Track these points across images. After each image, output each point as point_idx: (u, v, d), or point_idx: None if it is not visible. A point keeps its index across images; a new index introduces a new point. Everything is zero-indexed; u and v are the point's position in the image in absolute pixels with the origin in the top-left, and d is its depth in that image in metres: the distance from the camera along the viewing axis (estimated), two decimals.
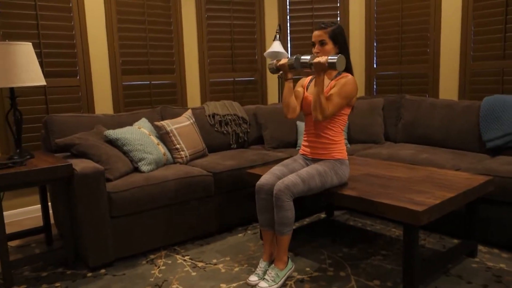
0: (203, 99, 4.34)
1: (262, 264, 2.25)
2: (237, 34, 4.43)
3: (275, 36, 4.11)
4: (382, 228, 2.92)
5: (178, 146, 3.08)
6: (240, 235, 2.91)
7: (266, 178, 2.23)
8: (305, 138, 2.39)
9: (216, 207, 2.89)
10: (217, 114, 3.59)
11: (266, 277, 2.17)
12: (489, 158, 2.88)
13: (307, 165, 2.38)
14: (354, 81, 2.23)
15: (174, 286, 2.23)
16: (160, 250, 2.72)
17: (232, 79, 4.48)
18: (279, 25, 4.23)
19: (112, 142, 2.81)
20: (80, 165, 2.40)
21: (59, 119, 2.90)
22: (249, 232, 2.96)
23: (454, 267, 2.31)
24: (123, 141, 2.80)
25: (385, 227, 2.94)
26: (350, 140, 3.64)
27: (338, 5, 4.49)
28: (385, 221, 3.07)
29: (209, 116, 3.56)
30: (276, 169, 2.30)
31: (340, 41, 2.27)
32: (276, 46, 4.05)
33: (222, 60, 4.39)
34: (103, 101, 3.76)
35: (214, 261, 2.52)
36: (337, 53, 2.28)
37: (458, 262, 2.36)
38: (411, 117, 3.49)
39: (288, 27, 4.57)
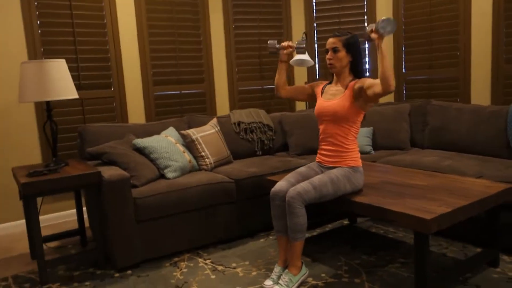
0: (232, 107, 4.45)
1: (277, 269, 2.31)
2: (264, 43, 4.53)
3: None
4: (405, 236, 2.90)
5: (203, 153, 3.20)
6: (262, 240, 2.98)
7: (280, 185, 2.30)
8: (321, 146, 2.43)
9: (238, 212, 2.98)
10: (242, 122, 3.69)
11: (280, 281, 2.23)
12: None
13: (322, 172, 2.42)
14: None
15: None
16: (184, 253, 2.84)
17: (260, 87, 4.58)
18: (305, 33, 4.29)
19: (140, 150, 2.97)
20: (108, 172, 2.56)
21: (92, 129, 3.11)
22: (270, 237, 3.02)
23: (474, 277, 2.27)
24: (150, 149, 2.96)
25: (408, 234, 2.92)
26: (375, 146, 3.62)
27: (365, 10, 4.48)
28: (408, 228, 3.03)
29: (234, 124, 3.67)
30: (291, 176, 2.36)
31: (353, 51, 2.31)
32: (301, 54, 4.10)
33: (250, 68, 4.50)
34: (135, 111, 3.96)
35: (234, 265, 2.60)
36: (350, 61, 2.33)
37: (478, 272, 2.32)
38: (437, 122, 3.44)
39: (315, 35, 4.62)
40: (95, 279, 2.52)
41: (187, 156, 3.13)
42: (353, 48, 2.30)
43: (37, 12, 3.44)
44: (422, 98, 4.26)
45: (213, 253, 2.81)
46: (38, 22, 3.45)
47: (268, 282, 2.27)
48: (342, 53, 2.30)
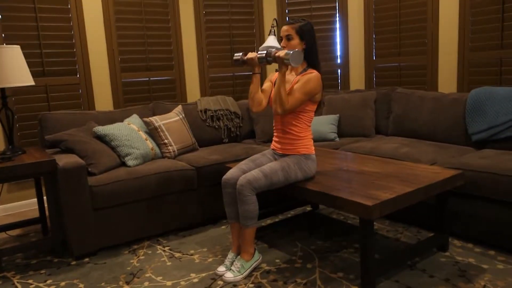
0: (203, 94, 4.43)
1: (230, 255, 2.34)
2: (235, 29, 4.50)
3: (270, 31, 4.15)
4: None
5: (166, 141, 3.19)
6: (223, 227, 3.00)
7: (231, 172, 2.31)
8: (274, 134, 2.44)
9: (200, 200, 2.99)
10: (209, 109, 3.69)
11: (232, 268, 2.25)
12: (473, 151, 2.84)
13: (276, 159, 2.44)
14: (318, 78, 2.26)
15: (147, 274, 2.35)
16: (144, 240, 2.85)
17: (232, 74, 4.56)
18: (275, 20, 4.26)
19: (101, 138, 2.95)
20: (64, 160, 2.54)
21: (52, 116, 3.07)
22: None
23: (422, 261, 2.32)
24: (111, 137, 2.94)
25: None
26: (341, 133, 3.65)
27: None
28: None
29: (201, 111, 3.66)
30: (243, 163, 2.37)
31: (308, 37, 2.30)
32: (271, 41, 4.08)
33: (221, 55, 4.47)
34: (103, 98, 3.92)
35: (192, 251, 2.62)
36: (303, 49, 2.32)
37: (427, 256, 2.37)
38: (400, 110, 3.47)
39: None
40: (52, 267, 2.52)
41: (150, 144, 3.12)
42: (307, 35, 2.30)
43: None
44: (391, 86, 4.29)
45: (173, 240, 2.83)
46: None
47: (221, 269, 2.30)
48: (296, 41, 2.30)
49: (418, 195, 2.08)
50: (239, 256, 2.29)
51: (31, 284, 2.32)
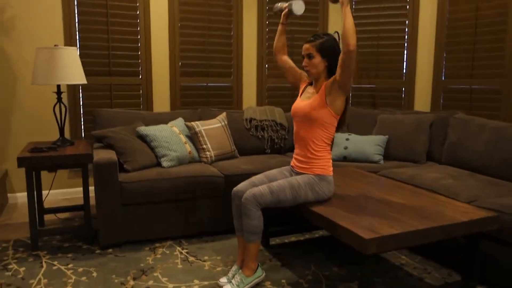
0: (259, 104, 4.46)
1: (234, 268, 2.32)
2: (297, 40, 4.46)
3: None
4: (392, 254, 2.72)
5: (204, 146, 3.27)
6: None
7: (241, 185, 2.29)
8: (295, 150, 2.37)
9: (225, 207, 3.01)
10: (254, 119, 3.70)
11: (232, 280, 2.23)
12: None
13: (291, 176, 2.36)
14: None
15: (155, 274, 2.43)
16: (167, 240, 2.94)
17: (291, 85, 4.51)
18: (337, 32, 4.14)
19: (142, 138, 3.12)
20: (99, 155, 2.73)
21: (104, 113, 3.32)
22: None
23: None
24: (151, 138, 3.09)
25: (395, 252, 2.74)
26: (388, 156, 3.42)
27: (407, 11, 4.21)
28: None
29: (246, 120, 3.69)
30: (256, 178, 2.34)
31: (330, 54, 2.21)
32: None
33: None
34: (161, 99, 4.14)
35: (205, 258, 2.65)
36: (326, 66, 2.23)
37: None
38: (456, 137, 3.16)
39: None
40: (78, 252, 2.72)
41: (188, 147, 3.21)
42: (329, 52, 2.20)
43: (75, 1, 3.73)
44: (461, 110, 3.92)
45: (194, 243, 2.88)
46: (76, 10, 3.74)
47: (223, 280, 2.29)
48: (317, 59, 2.21)
49: (432, 234, 1.87)
50: (240, 270, 2.26)
51: (55, 265, 2.52)
